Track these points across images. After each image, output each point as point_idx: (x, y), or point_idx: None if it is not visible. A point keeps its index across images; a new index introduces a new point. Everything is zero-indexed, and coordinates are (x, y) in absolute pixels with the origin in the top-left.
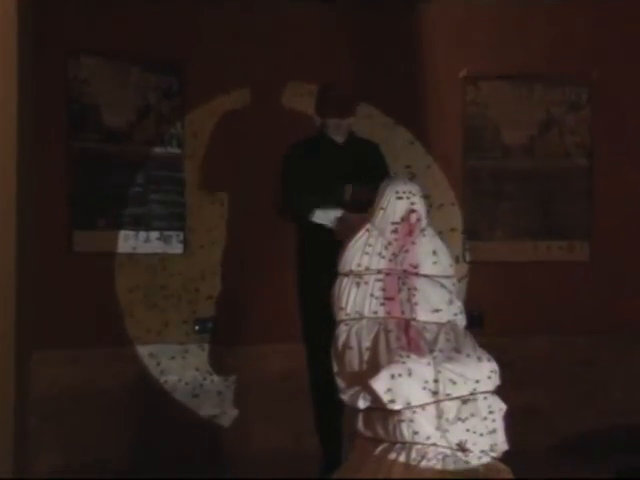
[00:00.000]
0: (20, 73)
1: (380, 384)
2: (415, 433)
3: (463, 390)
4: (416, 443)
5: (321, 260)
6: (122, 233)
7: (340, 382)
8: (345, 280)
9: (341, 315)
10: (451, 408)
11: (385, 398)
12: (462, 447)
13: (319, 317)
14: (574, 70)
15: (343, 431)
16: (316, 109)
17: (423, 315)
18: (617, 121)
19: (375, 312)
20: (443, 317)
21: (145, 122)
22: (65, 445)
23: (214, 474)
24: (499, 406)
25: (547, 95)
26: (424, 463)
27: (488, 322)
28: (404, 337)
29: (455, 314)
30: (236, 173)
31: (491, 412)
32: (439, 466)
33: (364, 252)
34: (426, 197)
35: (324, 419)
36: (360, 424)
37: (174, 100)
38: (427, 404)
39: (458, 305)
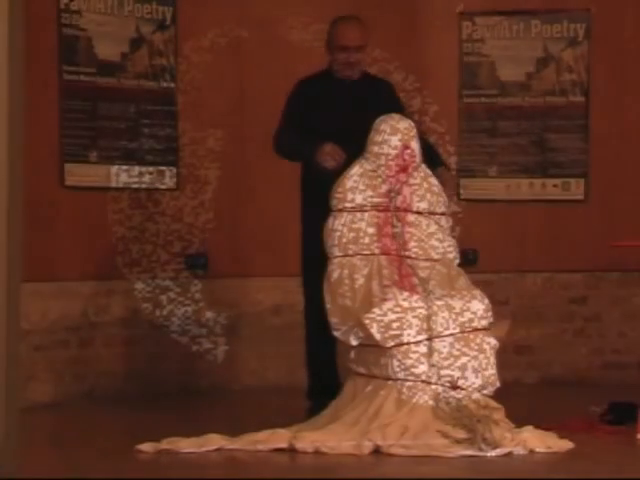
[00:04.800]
0: (11, 2)
1: (372, 321)
2: (407, 370)
3: (455, 327)
4: (408, 380)
5: (323, 194)
6: (114, 167)
7: (332, 318)
8: (338, 216)
9: (334, 252)
10: (443, 345)
11: (377, 335)
12: (454, 384)
13: (320, 250)
14: (572, 5)
15: (337, 365)
16: (326, 42)
17: (416, 252)
18: (614, 58)
19: (368, 249)
20: (436, 254)
21: (138, 54)
22: (56, 376)
23: (206, 408)
24: (491, 343)
25: (544, 31)
26: (415, 400)
27: (482, 260)
28: (397, 274)
29: (449, 252)
30: (230, 108)
31: (483, 349)
32: (430, 403)
33: (357, 188)
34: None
35: (316, 351)
36: (352, 360)
37: (168, 32)
38: (419, 341)
39: (451, 243)
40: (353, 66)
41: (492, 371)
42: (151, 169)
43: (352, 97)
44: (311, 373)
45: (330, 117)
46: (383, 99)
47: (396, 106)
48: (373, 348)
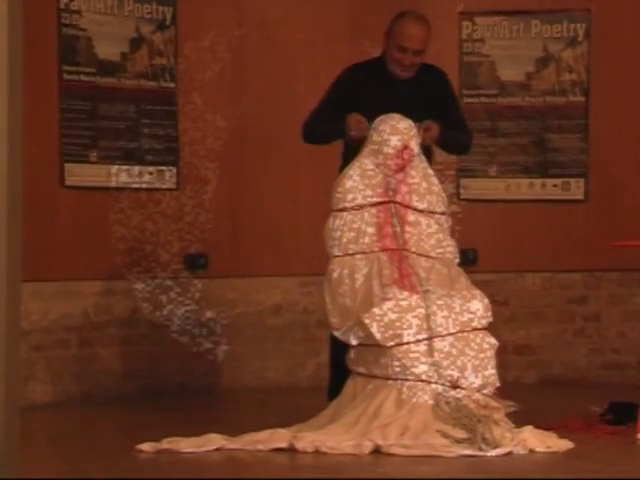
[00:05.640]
0: (11, 2)
1: (372, 320)
2: (407, 370)
3: (455, 327)
4: (407, 380)
5: None
6: (114, 167)
7: (332, 318)
8: (339, 215)
9: (334, 251)
10: (443, 345)
11: (377, 335)
12: (453, 384)
13: None
14: (572, 5)
15: None
16: (386, 32)
17: (416, 251)
18: (614, 58)
19: (369, 248)
20: (436, 254)
21: (138, 54)
22: (55, 376)
23: (206, 408)
24: (491, 343)
25: (544, 31)
26: (415, 400)
27: (482, 260)
28: (397, 274)
29: (448, 251)
30: (230, 107)
31: (483, 349)
32: (430, 403)
33: (357, 188)
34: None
35: (339, 354)
36: (352, 360)
37: (168, 32)
38: (419, 341)
39: (451, 242)
40: (407, 68)
41: (492, 371)
42: (151, 169)
43: (401, 96)
44: (332, 375)
45: (375, 111)
46: (434, 98)
47: (446, 103)
48: (373, 348)
